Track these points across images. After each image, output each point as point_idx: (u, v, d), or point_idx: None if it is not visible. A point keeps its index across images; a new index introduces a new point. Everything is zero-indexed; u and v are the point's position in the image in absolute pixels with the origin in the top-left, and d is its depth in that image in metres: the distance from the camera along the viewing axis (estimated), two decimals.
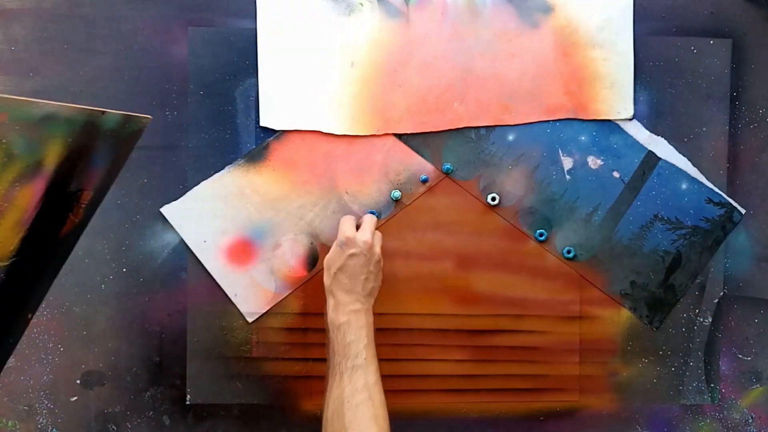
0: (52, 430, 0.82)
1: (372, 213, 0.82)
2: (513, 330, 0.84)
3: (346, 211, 0.82)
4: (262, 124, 0.82)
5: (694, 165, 0.84)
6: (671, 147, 0.84)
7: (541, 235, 0.83)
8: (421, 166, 0.83)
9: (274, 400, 0.83)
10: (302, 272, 0.82)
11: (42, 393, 0.82)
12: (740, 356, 0.86)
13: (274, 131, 0.82)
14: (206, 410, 0.83)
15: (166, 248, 0.82)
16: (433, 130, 0.82)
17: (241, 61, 0.81)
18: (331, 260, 0.74)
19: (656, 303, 0.85)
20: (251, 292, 0.82)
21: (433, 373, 0.84)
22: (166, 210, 0.82)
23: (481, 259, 0.83)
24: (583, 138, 0.83)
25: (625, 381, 0.85)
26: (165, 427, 0.83)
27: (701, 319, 0.85)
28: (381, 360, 0.83)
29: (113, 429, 0.83)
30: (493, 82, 0.82)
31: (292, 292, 0.82)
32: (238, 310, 0.82)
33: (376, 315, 0.83)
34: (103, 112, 0.52)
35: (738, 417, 0.86)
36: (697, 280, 0.85)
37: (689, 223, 0.84)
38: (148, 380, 0.83)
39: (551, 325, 0.84)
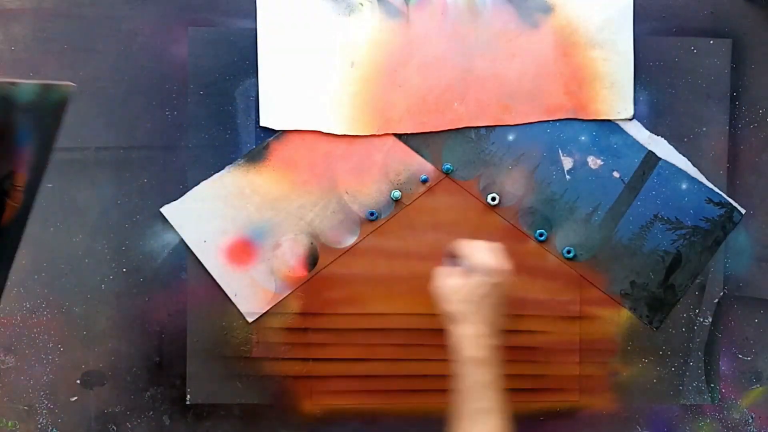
0: (52, 430, 0.82)
1: (372, 213, 0.82)
2: (513, 330, 0.84)
3: (346, 211, 0.82)
4: (262, 124, 0.82)
5: (694, 165, 0.84)
6: (671, 147, 0.84)
7: (541, 235, 0.83)
8: (421, 166, 0.83)
9: (274, 400, 0.83)
10: (302, 272, 0.82)
11: (42, 393, 0.82)
12: (740, 356, 0.86)
13: (274, 131, 0.82)
14: (206, 410, 0.83)
15: (166, 248, 0.82)
16: (433, 130, 0.82)
17: (241, 61, 0.81)
18: (471, 289, 0.68)
19: (656, 303, 0.85)
20: (251, 292, 0.82)
21: (433, 373, 0.84)
22: (166, 210, 0.82)
23: None
24: (583, 138, 0.83)
25: (625, 381, 0.85)
26: (165, 427, 0.83)
27: (701, 319, 0.85)
28: (381, 360, 0.84)
29: (113, 429, 0.83)
30: (493, 82, 0.82)
31: (292, 292, 0.82)
32: (238, 310, 0.82)
33: (376, 315, 0.83)
34: (14, 83, 0.47)
35: (738, 417, 0.86)
36: (697, 280, 0.85)
37: (689, 223, 0.84)
38: (148, 380, 0.83)
39: (551, 325, 0.84)
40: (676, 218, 0.84)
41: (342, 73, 0.81)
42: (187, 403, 0.83)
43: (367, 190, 0.83)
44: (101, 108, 0.81)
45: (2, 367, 0.82)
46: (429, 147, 0.83)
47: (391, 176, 0.83)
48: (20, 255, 0.81)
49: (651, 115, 0.84)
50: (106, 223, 0.81)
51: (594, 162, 0.84)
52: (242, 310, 0.82)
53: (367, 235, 0.83)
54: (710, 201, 0.84)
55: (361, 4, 0.81)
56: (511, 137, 0.83)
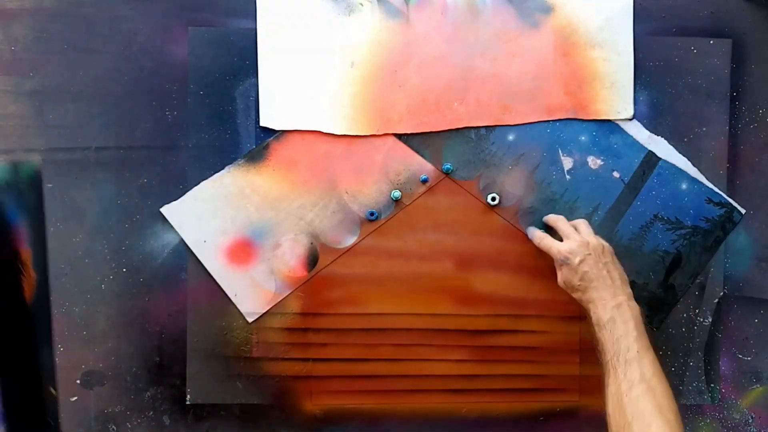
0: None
1: (372, 213, 0.82)
2: (513, 330, 0.84)
3: (346, 211, 0.82)
4: (262, 124, 0.82)
5: (694, 165, 0.84)
6: (671, 147, 0.84)
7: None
8: (421, 166, 0.83)
9: (274, 400, 0.83)
10: (302, 272, 0.82)
11: None
12: (740, 356, 0.86)
13: (274, 131, 0.82)
14: (206, 410, 0.83)
15: (166, 248, 0.82)
16: (433, 130, 0.82)
17: (241, 61, 0.81)
18: (567, 279, 0.74)
19: (656, 303, 0.85)
20: (251, 292, 0.82)
21: (433, 373, 0.84)
22: (166, 210, 0.82)
23: (481, 259, 0.83)
24: (583, 138, 0.83)
25: None
26: (165, 427, 0.83)
27: (701, 319, 0.85)
28: (381, 360, 0.83)
29: (113, 429, 0.83)
30: (493, 82, 0.82)
31: (292, 292, 0.82)
32: (238, 310, 0.82)
33: (376, 315, 0.83)
34: None
35: (738, 417, 0.86)
36: (697, 280, 0.85)
37: (689, 223, 0.84)
38: (148, 380, 0.83)
39: (551, 325, 0.84)
40: (676, 218, 0.84)
41: (342, 73, 0.81)
42: (187, 403, 0.83)
43: (367, 190, 0.83)
44: (101, 108, 0.81)
45: None
46: (429, 147, 0.83)
47: (391, 176, 0.83)
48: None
49: (651, 115, 0.84)
50: (106, 223, 0.81)
51: (594, 162, 0.84)
52: (242, 310, 0.82)
53: (367, 235, 0.83)
54: (710, 201, 0.84)
55: (361, 4, 0.81)
56: (511, 137, 0.83)
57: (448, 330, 0.84)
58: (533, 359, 0.84)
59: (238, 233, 0.82)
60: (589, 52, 0.82)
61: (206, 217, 0.82)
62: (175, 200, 0.82)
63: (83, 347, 0.82)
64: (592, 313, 0.72)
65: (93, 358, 0.82)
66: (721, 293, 0.85)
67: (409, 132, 0.82)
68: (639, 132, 0.84)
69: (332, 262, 0.82)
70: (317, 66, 0.81)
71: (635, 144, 0.83)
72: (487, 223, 0.83)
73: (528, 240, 0.83)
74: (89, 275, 0.82)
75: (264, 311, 0.82)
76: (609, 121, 0.83)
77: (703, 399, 0.86)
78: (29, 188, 0.51)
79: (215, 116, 0.82)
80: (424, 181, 0.83)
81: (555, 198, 0.83)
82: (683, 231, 0.84)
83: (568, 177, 0.84)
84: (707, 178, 0.84)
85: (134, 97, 0.81)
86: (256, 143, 0.82)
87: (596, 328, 0.71)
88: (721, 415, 0.86)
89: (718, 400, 0.86)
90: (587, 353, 0.84)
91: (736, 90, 0.84)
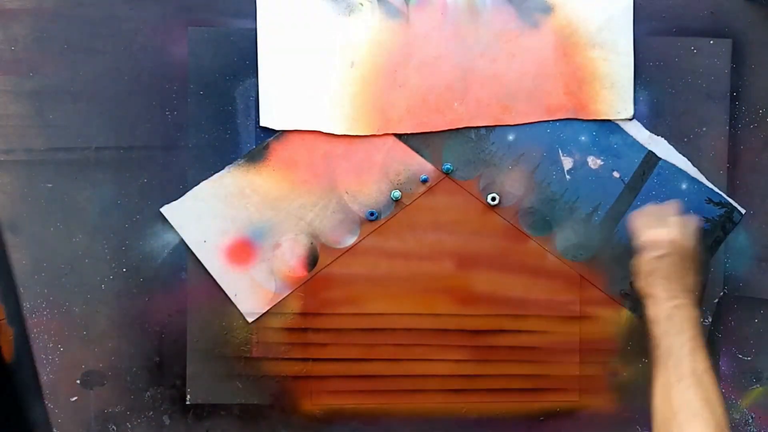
0: (52, 430, 0.82)
1: (372, 213, 0.82)
2: (513, 330, 0.84)
3: (346, 211, 0.82)
4: (262, 124, 0.82)
5: (694, 165, 0.84)
6: (671, 147, 0.84)
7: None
8: (421, 166, 0.83)
9: (274, 400, 0.83)
10: (302, 272, 0.82)
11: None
12: (740, 356, 0.86)
13: (274, 131, 0.82)
14: (206, 410, 0.83)
15: (166, 248, 0.82)
16: (433, 130, 0.82)
17: (241, 61, 0.81)
18: (639, 265, 0.74)
19: None
20: (251, 292, 0.82)
21: (433, 373, 0.84)
22: (166, 210, 0.82)
23: (481, 259, 0.83)
24: (583, 138, 0.83)
25: (625, 381, 0.85)
26: (165, 427, 0.83)
27: (701, 319, 0.85)
28: (380, 360, 0.83)
29: (113, 429, 0.83)
30: (493, 82, 0.82)
31: (292, 292, 0.82)
32: (238, 310, 0.82)
33: (376, 315, 0.83)
34: None
35: (738, 417, 0.86)
36: None
37: None
38: (148, 380, 0.83)
39: (551, 325, 0.84)
40: None
41: (342, 73, 0.81)
42: (187, 403, 0.83)
43: (367, 190, 0.83)
44: (101, 108, 0.81)
45: None
46: (429, 147, 0.83)
47: (391, 176, 0.83)
48: (20, 255, 0.81)
49: (651, 115, 0.84)
50: (106, 223, 0.81)
51: (594, 162, 0.84)
52: (242, 310, 0.82)
53: (367, 235, 0.83)
54: (710, 201, 0.84)
55: (361, 4, 0.81)
56: (511, 137, 0.83)
57: (448, 330, 0.84)
58: (533, 359, 0.84)
59: (238, 233, 0.82)
60: (589, 52, 0.82)
61: (206, 217, 0.82)
62: (175, 200, 0.82)
63: (83, 347, 0.82)
64: (649, 308, 0.71)
65: (93, 358, 0.82)
66: (721, 293, 0.85)
67: (409, 132, 0.82)
68: (639, 132, 0.84)
69: (332, 262, 0.82)
70: (317, 66, 0.81)
71: (635, 144, 0.83)
72: (487, 223, 0.83)
73: (528, 240, 0.83)
74: (89, 275, 0.82)
75: (264, 311, 0.82)
76: (609, 121, 0.83)
77: None
78: None
79: (215, 116, 0.82)
80: (424, 181, 0.83)
81: (555, 198, 0.83)
82: None
83: (568, 177, 0.84)
84: (707, 178, 0.84)
85: (134, 97, 0.81)
86: (256, 143, 0.82)
87: (651, 325, 0.70)
88: None
89: None
90: (587, 353, 0.84)
91: (736, 90, 0.84)
